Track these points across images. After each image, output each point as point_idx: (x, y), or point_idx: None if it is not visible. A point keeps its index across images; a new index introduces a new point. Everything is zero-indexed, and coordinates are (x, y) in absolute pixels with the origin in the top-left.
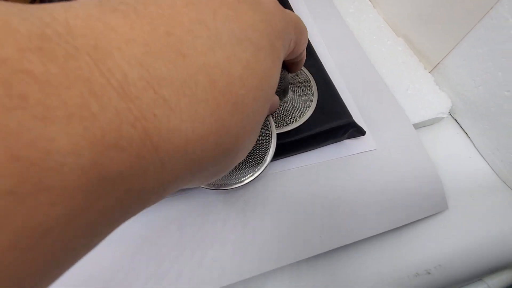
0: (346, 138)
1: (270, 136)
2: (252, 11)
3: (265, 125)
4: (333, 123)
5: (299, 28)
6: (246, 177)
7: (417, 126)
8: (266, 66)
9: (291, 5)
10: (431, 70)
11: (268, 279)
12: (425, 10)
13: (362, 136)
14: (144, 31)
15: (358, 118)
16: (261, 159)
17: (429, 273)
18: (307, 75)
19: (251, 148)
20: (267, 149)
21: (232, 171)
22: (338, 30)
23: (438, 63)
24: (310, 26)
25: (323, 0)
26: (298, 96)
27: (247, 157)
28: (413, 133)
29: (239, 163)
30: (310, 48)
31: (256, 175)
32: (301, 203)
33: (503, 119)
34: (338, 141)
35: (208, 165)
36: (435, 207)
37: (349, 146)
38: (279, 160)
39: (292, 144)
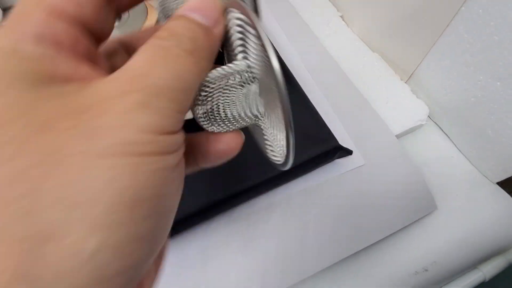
0: (335, 159)
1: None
2: None
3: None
4: (320, 149)
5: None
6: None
7: (399, 136)
8: None
9: (270, 33)
10: (407, 80)
11: None
12: (394, 26)
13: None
14: None
15: (344, 137)
16: None
17: (426, 270)
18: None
19: None
20: None
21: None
22: (316, 53)
23: (412, 73)
24: (289, 51)
25: (299, 25)
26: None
27: None
28: (396, 144)
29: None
30: (288, 74)
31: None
32: (300, 225)
33: (475, 121)
34: (328, 163)
35: None
36: (424, 209)
37: (339, 165)
38: (272, 190)
39: (282, 175)
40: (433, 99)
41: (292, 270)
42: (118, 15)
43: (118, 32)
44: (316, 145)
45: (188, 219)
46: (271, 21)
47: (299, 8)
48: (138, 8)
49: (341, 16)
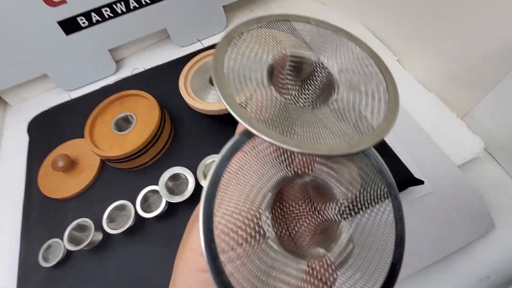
0: (408, 187)
1: None
2: None
3: None
4: (397, 179)
5: None
6: None
7: (460, 167)
8: None
9: None
10: (463, 117)
11: None
12: (451, 72)
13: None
14: None
15: (415, 169)
16: None
17: (489, 277)
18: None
19: None
20: None
21: None
22: None
23: (468, 112)
24: None
25: None
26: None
27: None
28: (458, 173)
29: None
30: None
31: None
32: None
33: None
34: (402, 191)
35: None
36: (485, 228)
37: (412, 192)
38: None
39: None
40: (487, 134)
41: None
42: None
43: None
44: (394, 177)
45: None
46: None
47: None
48: None
49: (397, 60)
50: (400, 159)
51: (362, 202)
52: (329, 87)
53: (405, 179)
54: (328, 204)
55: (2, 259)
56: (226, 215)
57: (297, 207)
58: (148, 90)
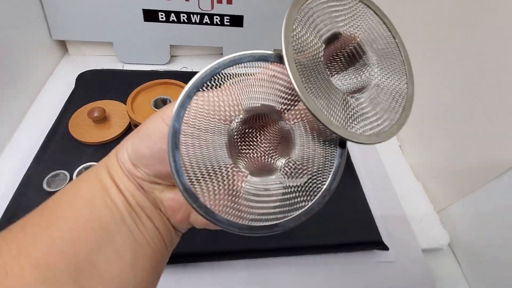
0: (373, 249)
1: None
2: None
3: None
4: (365, 237)
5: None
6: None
7: (423, 250)
8: None
9: (350, 153)
10: (439, 211)
11: None
12: (442, 166)
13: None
14: None
15: (384, 236)
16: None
17: None
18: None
19: None
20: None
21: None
22: (376, 167)
23: (445, 208)
24: (359, 161)
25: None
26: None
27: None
28: (421, 255)
29: None
30: (353, 174)
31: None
32: None
33: (484, 262)
34: (365, 250)
35: None
36: None
37: (375, 255)
38: (303, 256)
39: (318, 247)
40: (455, 233)
41: None
42: None
43: None
44: (364, 234)
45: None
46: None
47: None
48: None
49: (400, 146)
50: (375, 221)
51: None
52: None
53: (374, 239)
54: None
55: (9, 173)
56: (204, 105)
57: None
58: None
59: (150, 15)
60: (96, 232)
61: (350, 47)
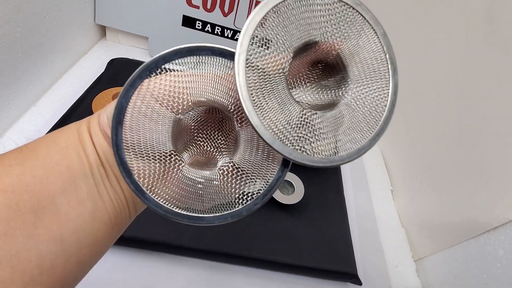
0: (346, 281)
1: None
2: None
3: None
4: (342, 267)
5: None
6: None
7: None
8: None
9: (344, 186)
10: (416, 260)
11: None
12: (427, 218)
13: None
14: None
15: (359, 268)
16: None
17: None
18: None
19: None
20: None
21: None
22: (365, 206)
23: (423, 258)
24: (350, 194)
25: (363, 185)
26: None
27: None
28: None
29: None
30: (342, 206)
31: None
32: None
33: None
34: (338, 281)
35: None
36: None
37: (345, 287)
38: (274, 272)
39: (292, 266)
40: (427, 284)
41: None
42: None
43: None
44: (341, 264)
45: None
46: (346, 176)
47: (367, 165)
48: None
49: (391, 190)
50: (354, 255)
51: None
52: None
53: (350, 271)
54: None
55: (27, 135)
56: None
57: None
58: None
59: (188, 21)
60: (63, 176)
61: (329, 58)
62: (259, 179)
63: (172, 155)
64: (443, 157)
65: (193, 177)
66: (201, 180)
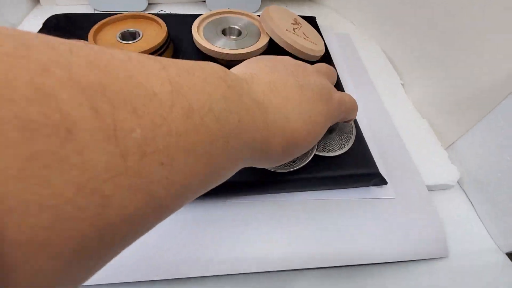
0: (370, 185)
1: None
2: (324, 104)
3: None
4: (361, 170)
5: (350, 111)
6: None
7: (429, 188)
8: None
9: (343, 85)
10: (447, 148)
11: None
12: (445, 99)
13: (383, 185)
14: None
15: (382, 170)
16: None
17: None
18: (352, 129)
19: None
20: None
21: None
22: (375, 105)
23: (453, 142)
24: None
25: (366, 82)
26: (338, 139)
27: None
28: (424, 191)
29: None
30: None
31: (303, 164)
32: (316, 227)
33: (496, 194)
34: (362, 187)
35: (294, 147)
36: (438, 252)
37: (372, 192)
38: (302, 192)
39: (320, 180)
40: (465, 169)
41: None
42: None
43: (236, 45)
44: (359, 166)
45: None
46: (345, 76)
47: (369, 67)
48: (254, 29)
49: (402, 84)
50: (371, 154)
51: None
52: None
53: (371, 172)
54: None
55: None
56: None
57: None
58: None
59: None
60: None
61: None
62: None
63: None
64: (446, 26)
65: None
66: None
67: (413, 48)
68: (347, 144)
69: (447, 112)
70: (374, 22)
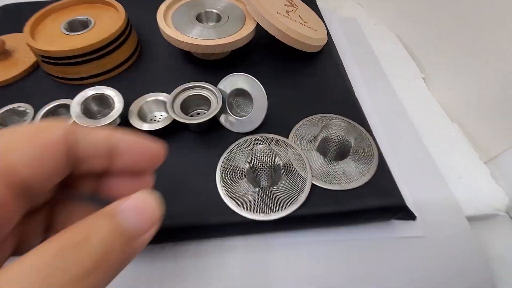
0: (394, 219)
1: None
2: None
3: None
4: (383, 202)
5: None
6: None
7: (470, 218)
8: None
9: (350, 81)
10: (487, 162)
11: None
12: (483, 100)
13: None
14: None
15: (407, 199)
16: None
17: None
18: (373, 151)
19: None
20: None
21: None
22: (390, 105)
23: (495, 156)
24: (366, 99)
25: (378, 77)
26: (355, 165)
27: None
28: (465, 225)
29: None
30: (361, 114)
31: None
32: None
33: None
34: (383, 221)
35: None
36: None
37: (395, 227)
38: (316, 230)
39: (335, 215)
40: None
41: None
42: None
43: (214, 34)
44: (380, 197)
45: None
46: (353, 69)
47: (381, 57)
48: (237, 13)
49: (423, 78)
50: (394, 180)
51: None
52: None
53: (394, 205)
54: None
55: None
56: None
57: None
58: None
59: None
60: None
61: None
62: None
63: None
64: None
65: None
66: None
67: (437, 34)
68: (367, 172)
69: (485, 115)
70: (386, 3)
